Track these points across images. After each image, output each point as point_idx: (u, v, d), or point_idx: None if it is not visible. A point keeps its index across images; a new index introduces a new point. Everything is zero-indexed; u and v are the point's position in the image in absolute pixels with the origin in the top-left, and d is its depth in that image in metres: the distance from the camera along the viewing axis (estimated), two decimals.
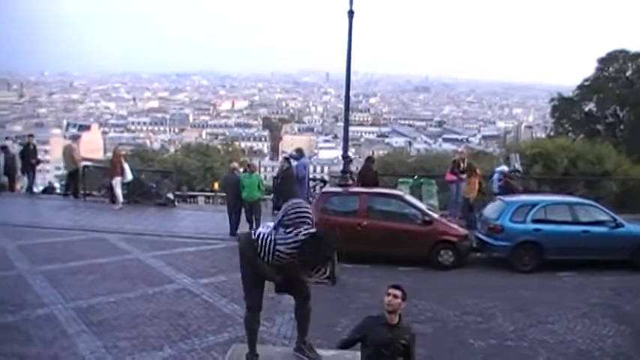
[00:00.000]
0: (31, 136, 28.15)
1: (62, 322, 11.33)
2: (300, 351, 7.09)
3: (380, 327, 7.05)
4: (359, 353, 7.18)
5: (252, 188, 19.27)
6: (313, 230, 6.73)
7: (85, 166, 25.39)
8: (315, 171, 74.44)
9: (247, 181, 19.37)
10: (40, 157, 26.19)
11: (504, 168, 21.99)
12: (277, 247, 6.69)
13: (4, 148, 27.28)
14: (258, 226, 19.15)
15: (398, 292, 7.05)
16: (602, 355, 11.05)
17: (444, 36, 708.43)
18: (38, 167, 26.26)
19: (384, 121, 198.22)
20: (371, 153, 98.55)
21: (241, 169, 21.35)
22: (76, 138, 30.09)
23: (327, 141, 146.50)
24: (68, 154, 25.21)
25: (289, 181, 20.13)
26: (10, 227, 19.35)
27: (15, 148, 28.74)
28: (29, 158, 24.78)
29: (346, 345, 7.40)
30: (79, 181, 25.09)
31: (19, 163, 25.02)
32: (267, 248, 6.74)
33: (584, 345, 11.41)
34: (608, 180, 25.89)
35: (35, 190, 24.92)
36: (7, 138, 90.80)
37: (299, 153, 22.84)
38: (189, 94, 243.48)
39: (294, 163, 21.41)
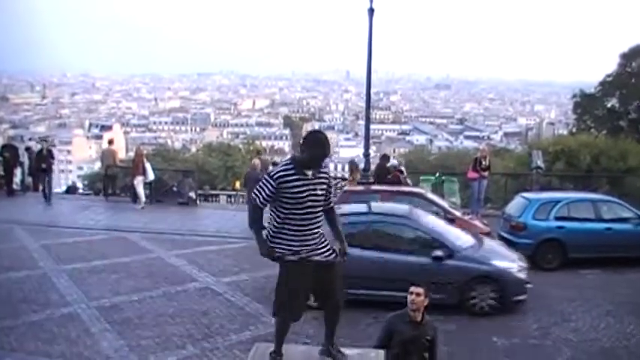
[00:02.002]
0: (44, 140, 28.13)
1: (86, 321, 11.42)
2: (327, 353, 7.06)
3: (405, 325, 7.10)
4: (382, 352, 7.18)
5: None
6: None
7: (108, 166, 25.58)
8: (336, 169, 74.39)
9: None
10: (54, 160, 25.38)
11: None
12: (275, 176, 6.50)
13: (28, 149, 27.55)
14: None
15: (420, 290, 7.09)
16: (626, 354, 10.95)
17: (465, 33, 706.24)
18: (56, 168, 26.06)
19: (405, 119, 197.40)
20: (392, 151, 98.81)
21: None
22: (111, 142, 30.20)
23: (347, 139, 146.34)
24: (111, 156, 25.64)
25: None
26: (34, 227, 19.54)
27: (38, 148, 28.94)
28: (39, 163, 24.33)
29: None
30: (109, 181, 25.60)
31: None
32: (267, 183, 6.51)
33: (608, 343, 11.32)
34: (631, 176, 25.63)
35: (47, 192, 23.97)
36: (30, 139, 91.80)
37: None
38: (210, 94, 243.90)
39: None
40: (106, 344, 10.38)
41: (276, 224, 6.65)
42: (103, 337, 10.66)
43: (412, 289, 7.14)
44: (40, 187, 24.32)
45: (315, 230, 6.68)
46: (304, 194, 6.50)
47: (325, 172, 6.73)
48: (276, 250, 6.65)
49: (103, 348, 10.25)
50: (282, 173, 6.49)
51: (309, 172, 6.54)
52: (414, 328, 7.08)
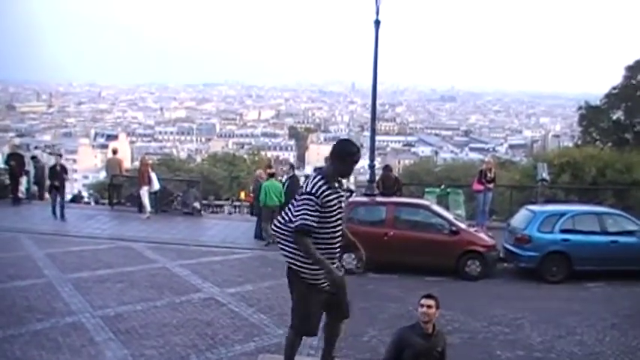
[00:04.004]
0: (59, 155, 27.87)
1: (90, 330, 11.39)
2: None
3: (417, 338, 7.11)
4: None
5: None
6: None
7: (113, 175, 25.65)
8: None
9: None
10: (67, 175, 24.09)
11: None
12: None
13: (34, 158, 27.59)
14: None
15: (432, 302, 7.12)
16: None
17: (471, 45, 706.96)
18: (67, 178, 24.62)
19: (411, 131, 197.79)
20: (397, 162, 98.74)
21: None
22: (115, 151, 30.19)
23: None
24: (116, 165, 25.82)
25: (292, 189, 20.21)
26: (39, 235, 19.58)
27: (45, 158, 28.92)
28: (53, 180, 22.92)
29: None
30: (114, 190, 25.74)
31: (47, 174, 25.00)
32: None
33: (612, 357, 11.26)
34: (637, 189, 25.59)
35: (57, 213, 22.67)
36: (36, 147, 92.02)
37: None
38: (216, 104, 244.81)
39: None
40: (110, 354, 10.36)
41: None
42: (107, 347, 10.63)
43: (423, 301, 7.16)
44: (51, 204, 23.20)
45: (339, 241, 6.64)
46: (336, 207, 6.45)
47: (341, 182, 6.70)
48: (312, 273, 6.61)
49: (107, 358, 10.22)
50: (324, 191, 6.36)
51: (337, 184, 6.51)
52: (426, 340, 7.11)
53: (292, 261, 6.69)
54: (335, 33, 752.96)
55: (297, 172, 27.13)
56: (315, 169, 6.84)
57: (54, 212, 22.67)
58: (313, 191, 6.36)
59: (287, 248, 6.70)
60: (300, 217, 6.34)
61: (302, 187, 6.67)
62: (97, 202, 26.99)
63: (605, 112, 44.73)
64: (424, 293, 7.32)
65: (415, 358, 7.06)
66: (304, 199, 6.38)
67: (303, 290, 6.76)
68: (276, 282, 15.05)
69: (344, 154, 6.50)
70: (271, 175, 20.28)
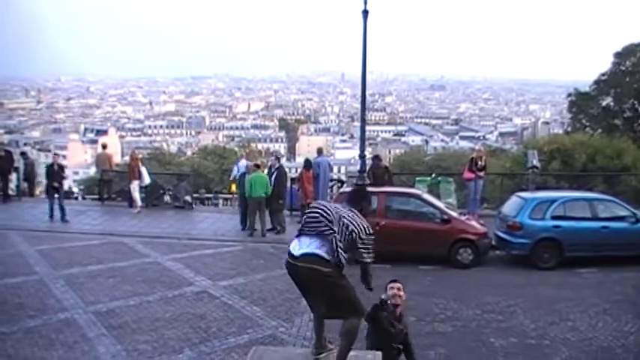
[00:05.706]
0: (56, 154, 27.34)
1: (83, 326, 11.38)
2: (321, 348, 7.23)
3: (388, 321, 7.21)
4: (380, 353, 7.20)
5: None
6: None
7: (104, 170, 25.54)
8: (331, 171, 74.58)
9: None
10: (65, 174, 23.31)
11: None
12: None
13: (23, 154, 27.44)
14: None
15: (400, 285, 7.33)
16: (624, 352, 10.96)
17: (460, 34, 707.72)
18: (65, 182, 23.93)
19: (401, 120, 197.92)
20: (388, 152, 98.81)
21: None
22: (105, 146, 29.96)
23: (343, 141, 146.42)
24: (106, 160, 25.82)
25: (280, 180, 20.21)
26: (30, 232, 19.50)
27: (34, 154, 28.74)
28: (52, 180, 21.71)
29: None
30: (104, 185, 25.63)
31: (37, 169, 24.83)
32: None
33: (605, 342, 11.32)
34: (627, 175, 25.66)
35: (67, 218, 21.60)
36: (25, 144, 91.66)
37: (319, 153, 23.14)
38: (205, 97, 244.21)
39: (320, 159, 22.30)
40: (103, 349, 10.34)
41: (345, 252, 7.14)
42: (100, 343, 10.62)
43: (392, 284, 7.24)
44: (38, 190, 22.57)
45: None
46: None
47: None
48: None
49: (100, 353, 10.21)
50: None
51: None
52: (398, 323, 7.19)
53: (327, 268, 7.19)
54: (323, 23, 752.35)
55: (287, 163, 27.09)
56: (307, 161, 7.44)
57: (51, 214, 21.64)
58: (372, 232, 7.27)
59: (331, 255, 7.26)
60: (369, 252, 7.26)
61: (354, 220, 7.22)
62: (84, 198, 26.70)
63: (594, 99, 44.77)
64: (393, 278, 7.57)
65: (385, 337, 7.11)
66: (370, 238, 7.22)
67: (342, 282, 7.23)
68: (268, 274, 15.05)
69: (362, 197, 7.77)
70: (257, 167, 20.19)
